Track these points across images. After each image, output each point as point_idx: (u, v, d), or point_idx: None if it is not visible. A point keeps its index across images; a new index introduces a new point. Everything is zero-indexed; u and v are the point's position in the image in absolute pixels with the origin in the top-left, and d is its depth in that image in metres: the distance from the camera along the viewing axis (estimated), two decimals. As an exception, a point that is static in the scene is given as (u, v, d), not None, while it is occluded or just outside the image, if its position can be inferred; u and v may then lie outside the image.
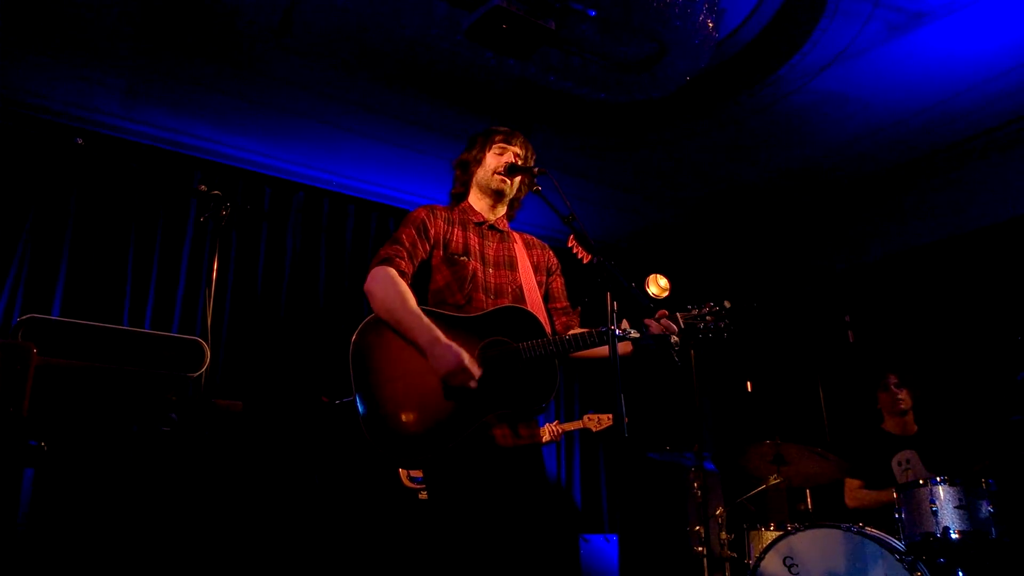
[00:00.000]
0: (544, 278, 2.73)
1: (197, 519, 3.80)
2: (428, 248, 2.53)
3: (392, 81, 4.48)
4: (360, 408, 2.25)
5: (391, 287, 2.37)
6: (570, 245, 2.45)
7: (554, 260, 2.80)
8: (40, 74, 4.32)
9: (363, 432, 2.23)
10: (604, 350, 2.35)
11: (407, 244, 2.48)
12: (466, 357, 2.26)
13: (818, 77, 4.48)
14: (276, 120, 4.82)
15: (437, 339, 2.28)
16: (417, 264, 2.50)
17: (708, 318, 2.51)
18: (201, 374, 2.31)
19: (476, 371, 2.28)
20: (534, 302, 2.59)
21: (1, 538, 3.82)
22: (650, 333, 2.44)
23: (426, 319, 2.33)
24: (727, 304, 2.51)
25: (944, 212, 5.65)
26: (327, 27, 4.03)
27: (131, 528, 3.98)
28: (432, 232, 2.54)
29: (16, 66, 4.23)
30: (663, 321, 2.46)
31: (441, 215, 2.61)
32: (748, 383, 4.97)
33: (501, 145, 2.67)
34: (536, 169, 2.57)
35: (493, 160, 2.66)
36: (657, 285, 2.52)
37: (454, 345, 2.27)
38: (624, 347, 2.50)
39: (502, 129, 2.72)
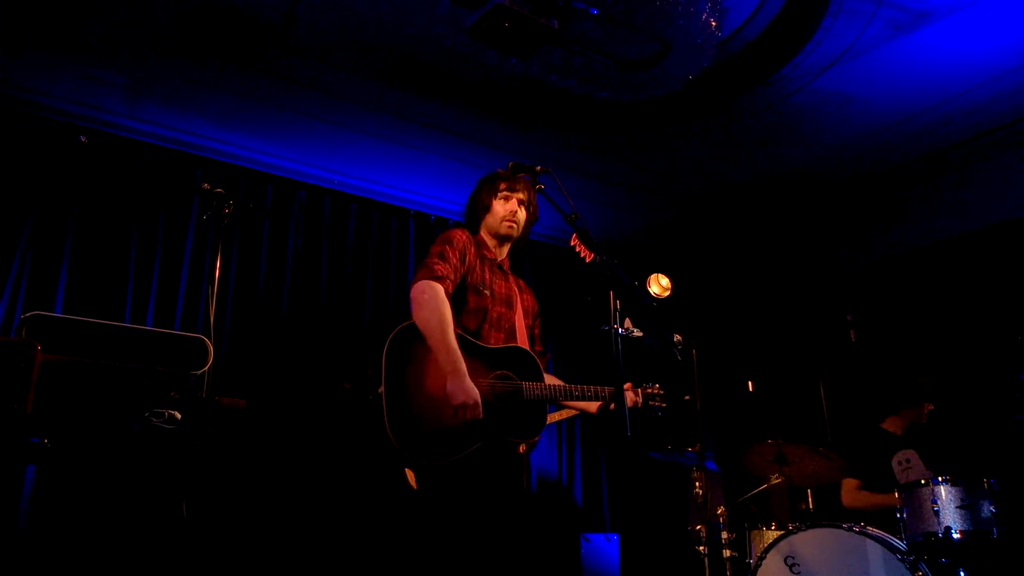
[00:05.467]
0: (531, 322, 3.00)
1: (200, 517, 3.81)
2: (463, 274, 2.75)
3: (394, 80, 4.48)
4: (387, 406, 2.42)
5: (437, 309, 2.55)
6: (573, 244, 2.46)
7: (536, 305, 3.08)
8: (43, 72, 4.32)
9: (385, 428, 2.41)
10: (584, 404, 2.88)
11: (453, 265, 2.69)
12: (478, 400, 2.48)
13: (821, 76, 4.48)
14: (279, 119, 4.82)
15: (461, 374, 2.48)
16: (455, 287, 2.71)
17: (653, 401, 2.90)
18: (204, 372, 2.32)
19: (480, 414, 2.50)
20: (523, 339, 2.86)
21: (3, 534, 3.83)
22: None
23: (457, 351, 2.52)
24: (678, 338, 2.71)
25: (946, 212, 5.64)
26: (330, 25, 4.03)
27: (133, 525, 3.99)
28: (467, 260, 2.77)
29: (19, 63, 4.24)
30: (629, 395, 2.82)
31: (473, 243, 2.85)
32: (750, 382, 4.96)
33: (505, 193, 2.91)
34: (539, 168, 2.61)
35: (500, 208, 2.90)
36: (659, 284, 2.54)
37: (472, 387, 2.49)
38: (589, 406, 2.88)
39: (505, 176, 2.96)
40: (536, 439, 4.51)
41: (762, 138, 5.16)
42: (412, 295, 2.60)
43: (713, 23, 3.97)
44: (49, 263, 4.42)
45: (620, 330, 2.21)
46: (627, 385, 2.77)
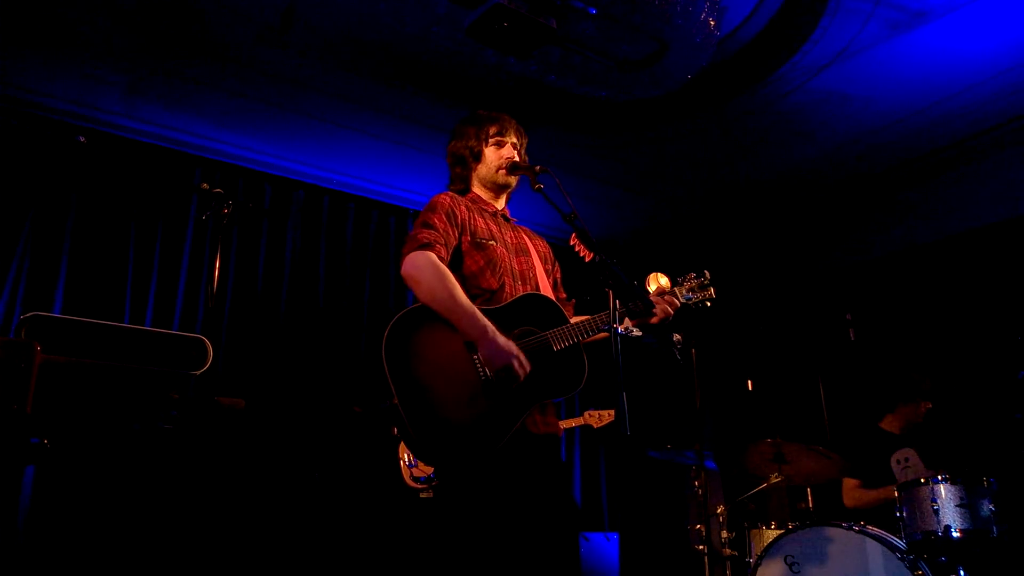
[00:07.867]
0: (550, 267, 2.74)
1: (198, 517, 3.80)
2: (456, 235, 2.47)
3: (393, 79, 4.48)
4: (407, 414, 2.16)
5: (437, 275, 2.31)
6: (572, 243, 2.45)
7: (551, 250, 2.82)
8: (41, 71, 4.31)
9: (412, 439, 2.16)
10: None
11: (441, 230, 2.42)
12: (519, 353, 2.25)
13: (819, 75, 4.48)
14: (277, 118, 4.82)
15: (490, 334, 2.24)
16: (451, 252, 2.44)
17: (698, 290, 2.61)
18: (203, 372, 2.31)
19: (528, 366, 2.26)
20: (547, 289, 2.62)
21: (2, 534, 3.83)
22: (655, 317, 2.44)
23: (475, 309, 2.28)
24: (707, 274, 2.60)
25: (945, 211, 5.65)
26: (328, 25, 4.02)
27: (132, 525, 3.99)
28: (459, 218, 2.50)
29: (17, 63, 4.23)
30: (666, 297, 2.50)
31: (462, 201, 2.58)
32: (749, 381, 4.97)
33: (497, 137, 2.65)
34: (538, 168, 2.55)
35: (494, 155, 2.64)
36: (658, 283, 2.54)
37: (510, 341, 2.26)
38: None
39: (492, 116, 2.69)
40: (559, 428, 4.48)
41: (760, 137, 5.16)
42: (405, 273, 2.34)
43: (712, 22, 3.97)
44: (48, 263, 4.42)
45: (620, 330, 2.18)
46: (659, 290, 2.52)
